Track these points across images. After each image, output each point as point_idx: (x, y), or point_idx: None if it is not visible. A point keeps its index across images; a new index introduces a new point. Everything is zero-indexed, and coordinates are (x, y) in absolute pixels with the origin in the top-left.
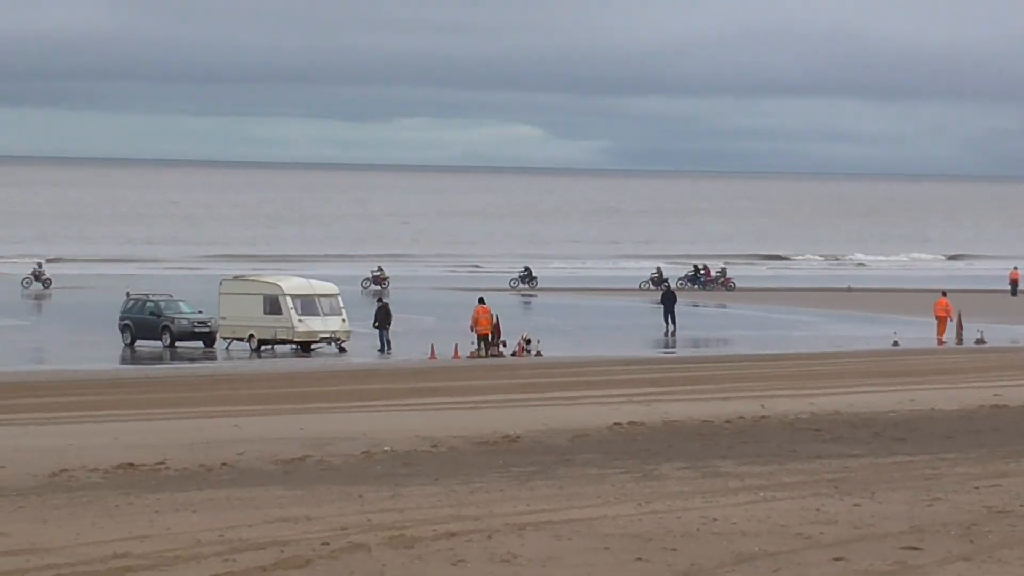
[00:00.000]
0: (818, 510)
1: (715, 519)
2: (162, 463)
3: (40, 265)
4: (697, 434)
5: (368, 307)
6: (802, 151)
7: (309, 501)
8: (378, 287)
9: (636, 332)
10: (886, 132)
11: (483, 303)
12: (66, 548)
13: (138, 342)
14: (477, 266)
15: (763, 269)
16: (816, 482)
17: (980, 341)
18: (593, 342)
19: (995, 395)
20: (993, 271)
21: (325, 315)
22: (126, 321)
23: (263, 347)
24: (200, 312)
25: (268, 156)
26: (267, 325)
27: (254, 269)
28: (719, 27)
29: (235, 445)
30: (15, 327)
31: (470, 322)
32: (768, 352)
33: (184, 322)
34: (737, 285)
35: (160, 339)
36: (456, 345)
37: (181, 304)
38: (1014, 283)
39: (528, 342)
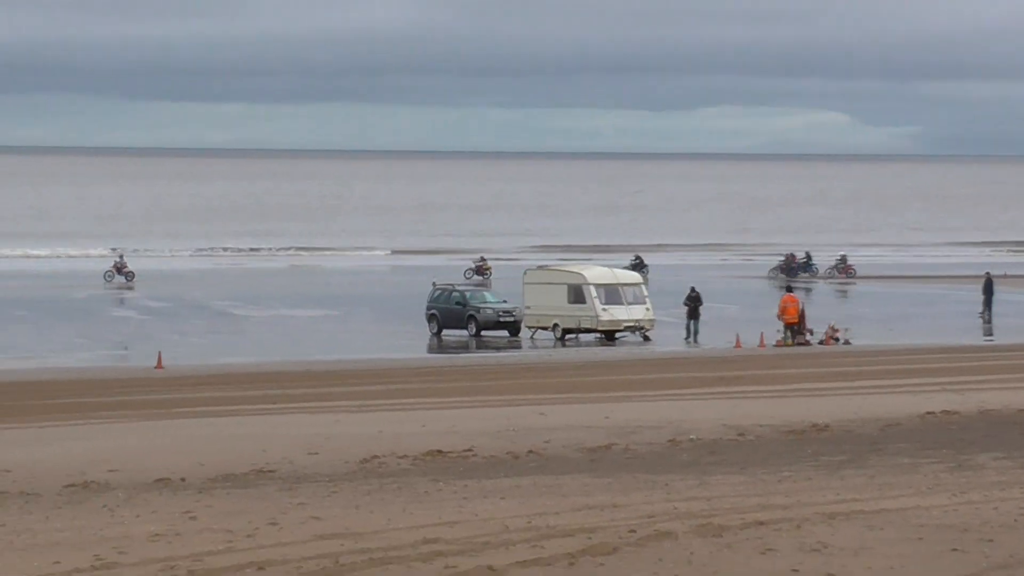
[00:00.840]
0: None
1: None
2: (469, 450)
3: (122, 257)
4: (1015, 423)
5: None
6: None
7: (615, 489)
8: (480, 277)
9: (951, 320)
10: None
11: (791, 292)
12: (378, 533)
13: (444, 331)
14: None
15: None
16: None
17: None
18: (906, 331)
19: None
20: None
21: (629, 304)
22: (432, 311)
23: (567, 336)
24: (505, 302)
25: (576, 147)
26: (571, 314)
27: (564, 259)
28: None
29: (541, 433)
30: (326, 316)
31: (777, 311)
32: None
33: (489, 312)
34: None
35: (466, 328)
36: (762, 334)
37: (486, 294)
38: None
39: (836, 331)
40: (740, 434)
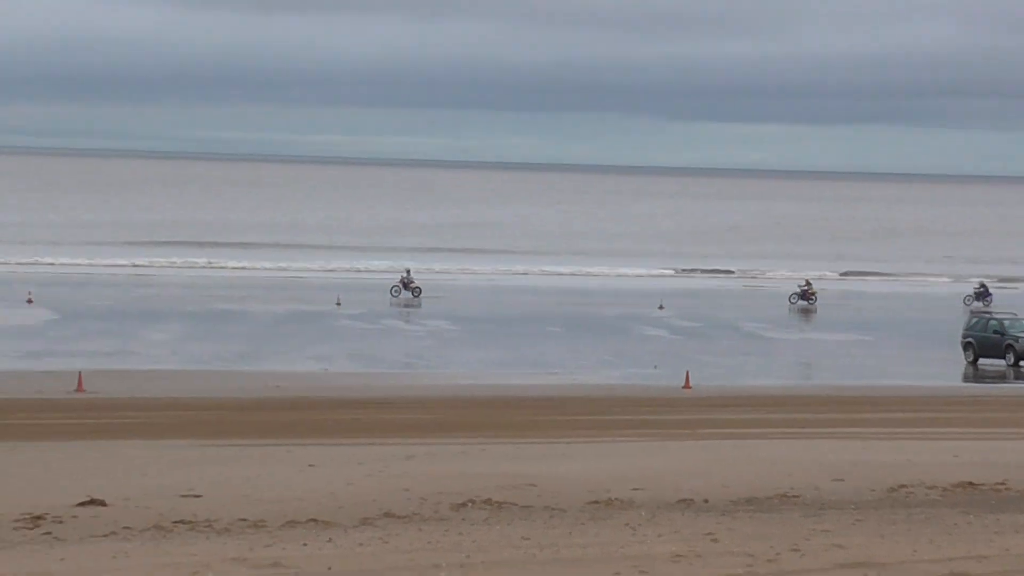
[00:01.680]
0: None
1: None
2: (1002, 483)
3: (408, 272)
4: None
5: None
6: None
7: None
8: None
9: None
10: None
11: None
12: (903, 564)
13: (980, 360)
14: None
15: None
16: None
17: None
18: None
19: None
20: None
21: None
22: (968, 339)
23: None
24: None
25: None
26: None
27: None
28: None
29: None
30: (858, 341)
31: None
32: None
33: None
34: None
35: (1004, 358)
36: None
37: None
38: None
39: None
40: None
